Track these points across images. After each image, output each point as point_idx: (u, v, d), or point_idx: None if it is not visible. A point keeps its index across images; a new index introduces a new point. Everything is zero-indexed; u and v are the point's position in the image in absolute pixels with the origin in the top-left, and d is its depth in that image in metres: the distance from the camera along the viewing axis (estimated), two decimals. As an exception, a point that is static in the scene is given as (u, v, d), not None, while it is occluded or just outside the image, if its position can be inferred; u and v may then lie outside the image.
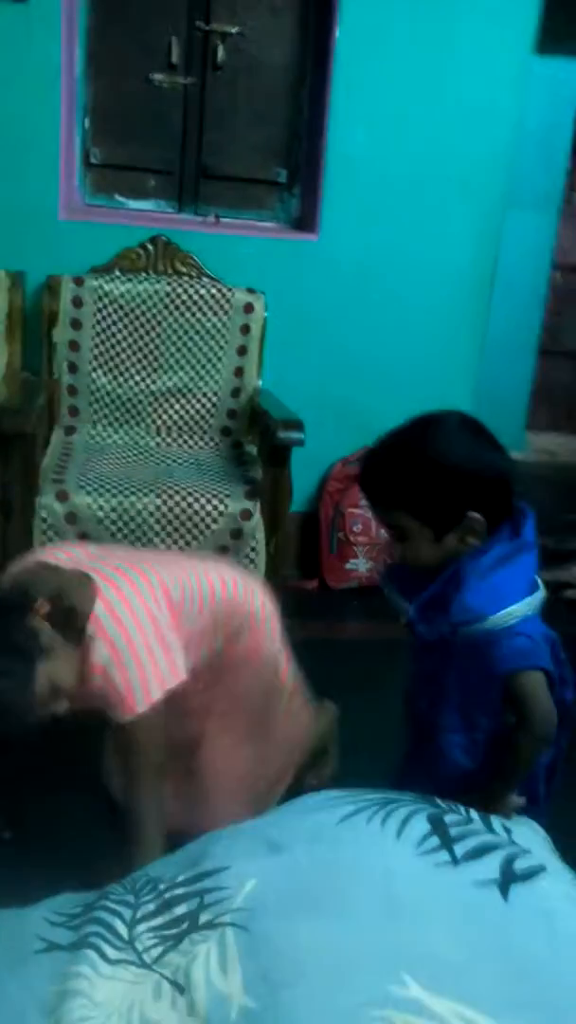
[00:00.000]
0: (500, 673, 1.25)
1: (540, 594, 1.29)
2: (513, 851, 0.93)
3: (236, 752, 1.57)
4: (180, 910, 0.86)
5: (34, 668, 1.24)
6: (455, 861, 0.89)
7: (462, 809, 0.99)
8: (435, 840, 0.92)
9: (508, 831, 0.98)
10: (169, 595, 1.41)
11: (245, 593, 1.55)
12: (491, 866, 0.89)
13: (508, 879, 0.88)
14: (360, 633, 2.68)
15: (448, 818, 0.96)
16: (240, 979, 0.76)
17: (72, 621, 1.31)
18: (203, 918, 0.84)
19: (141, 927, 0.86)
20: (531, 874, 0.89)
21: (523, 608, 1.25)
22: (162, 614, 1.39)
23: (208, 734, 1.57)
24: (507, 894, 0.86)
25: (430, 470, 1.23)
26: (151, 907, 0.88)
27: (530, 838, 0.98)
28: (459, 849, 0.91)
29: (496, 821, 0.99)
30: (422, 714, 1.39)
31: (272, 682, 1.60)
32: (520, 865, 0.91)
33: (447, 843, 0.92)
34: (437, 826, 0.94)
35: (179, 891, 0.89)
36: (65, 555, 1.44)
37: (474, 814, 0.99)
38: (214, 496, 2.19)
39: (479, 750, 1.31)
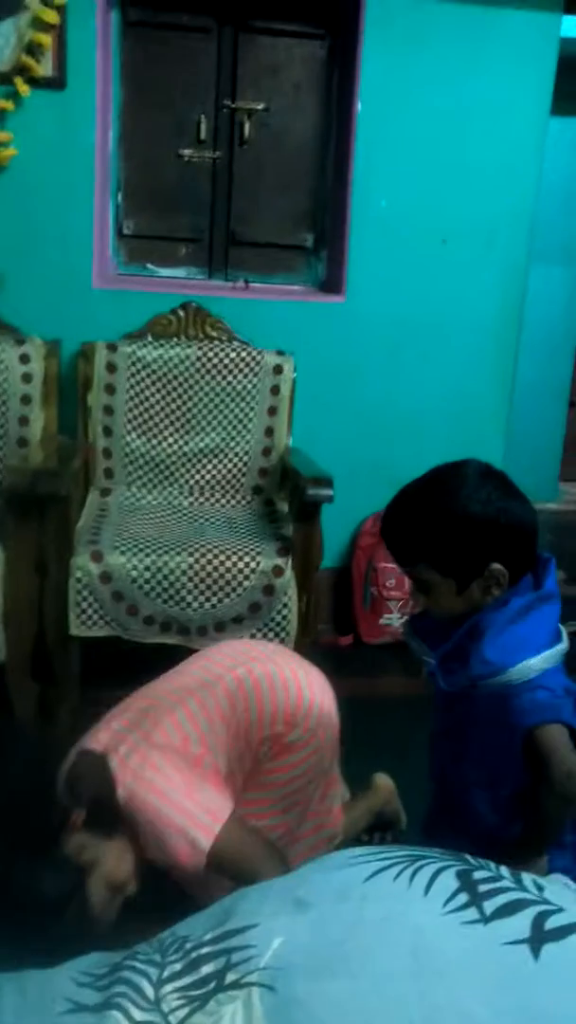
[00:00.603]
0: (520, 727, 1.24)
1: (563, 645, 1.27)
2: (545, 909, 0.91)
3: (278, 817, 1.55)
4: (207, 969, 0.85)
5: (83, 892, 1.24)
6: (485, 919, 0.87)
7: (492, 865, 0.97)
8: (464, 897, 0.90)
9: (540, 888, 0.95)
10: (188, 741, 1.42)
11: (280, 697, 1.52)
12: (522, 924, 0.87)
13: (540, 938, 0.85)
14: (396, 689, 2.66)
15: (477, 874, 0.94)
16: (265, 1040, 0.75)
17: (103, 813, 1.32)
18: (229, 978, 0.83)
19: (168, 987, 0.85)
20: (564, 933, 0.87)
21: (543, 661, 1.23)
22: (186, 762, 1.40)
23: (254, 798, 1.54)
24: (538, 953, 0.84)
25: (450, 522, 1.23)
26: (178, 967, 0.87)
27: (563, 895, 0.96)
28: (488, 907, 0.89)
29: (527, 877, 0.97)
30: (446, 769, 1.37)
31: (324, 761, 1.59)
32: (552, 923, 0.88)
33: (476, 900, 0.90)
34: (466, 883, 0.92)
35: (206, 950, 0.88)
36: (105, 735, 1.44)
37: (504, 870, 0.97)
38: (246, 554, 2.21)
39: (505, 805, 1.28)
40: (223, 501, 2.63)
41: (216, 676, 1.53)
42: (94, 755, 1.38)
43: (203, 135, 2.77)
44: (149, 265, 2.88)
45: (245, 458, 2.63)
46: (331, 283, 2.89)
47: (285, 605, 2.22)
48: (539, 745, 1.22)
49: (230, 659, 1.57)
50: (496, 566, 1.24)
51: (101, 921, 1.28)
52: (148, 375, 2.58)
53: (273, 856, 1.32)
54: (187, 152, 2.79)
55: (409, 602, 2.86)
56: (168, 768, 1.37)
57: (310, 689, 1.56)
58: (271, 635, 2.23)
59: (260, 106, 2.78)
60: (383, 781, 1.86)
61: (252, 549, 2.23)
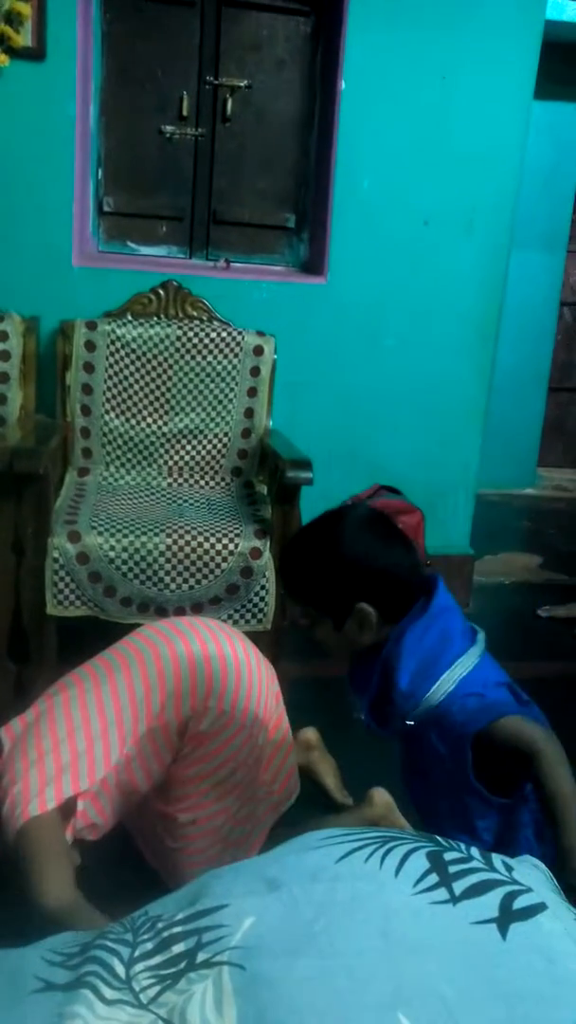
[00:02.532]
0: (467, 740, 1.25)
1: (477, 645, 1.31)
2: (514, 889, 0.92)
3: (213, 806, 1.55)
4: (178, 948, 0.86)
5: None
6: (454, 899, 0.89)
7: (462, 846, 0.98)
8: (434, 878, 0.91)
9: (509, 869, 0.97)
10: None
11: (201, 674, 1.49)
12: (490, 904, 0.88)
13: (507, 917, 0.87)
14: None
15: (448, 855, 0.95)
16: (235, 1018, 0.76)
17: None
18: (201, 957, 0.84)
19: (139, 966, 0.86)
20: (531, 912, 0.88)
21: (456, 672, 1.27)
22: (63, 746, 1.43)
23: (185, 792, 1.54)
24: (506, 932, 0.85)
25: (323, 563, 1.33)
26: (149, 946, 0.88)
27: (532, 876, 0.97)
28: (458, 887, 0.90)
29: (497, 859, 0.98)
30: (421, 801, 1.41)
31: (256, 738, 1.56)
32: (520, 903, 0.90)
33: (446, 881, 0.91)
34: (436, 863, 0.93)
35: (177, 929, 0.89)
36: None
37: (475, 851, 0.98)
38: (224, 535, 2.21)
39: (480, 830, 1.29)
40: (202, 482, 2.62)
41: (124, 659, 1.52)
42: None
43: (185, 111, 2.74)
44: (130, 243, 2.85)
45: (224, 439, 2.62)
46: (313, 264, 2.87)
47: (263, 587, 2.22)
48: (504, 738, 1.23)
49: (144, 639, 1.55)
50: (362, 606, 1.30)
51: None
52: (127, 354, 2.56)
53: (59, 880, 1.32)
54: (169, 129, 2.75)
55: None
56: (39, 745, 1.42)
57: (222, 667, 1.50)
58: (248, 616, 2.23)
59: (243, 83, 2.75)
60: (380, 796, 1.83)
61: (230, 531, 2.23)
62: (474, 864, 0.95)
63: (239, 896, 0.91)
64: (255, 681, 1.54)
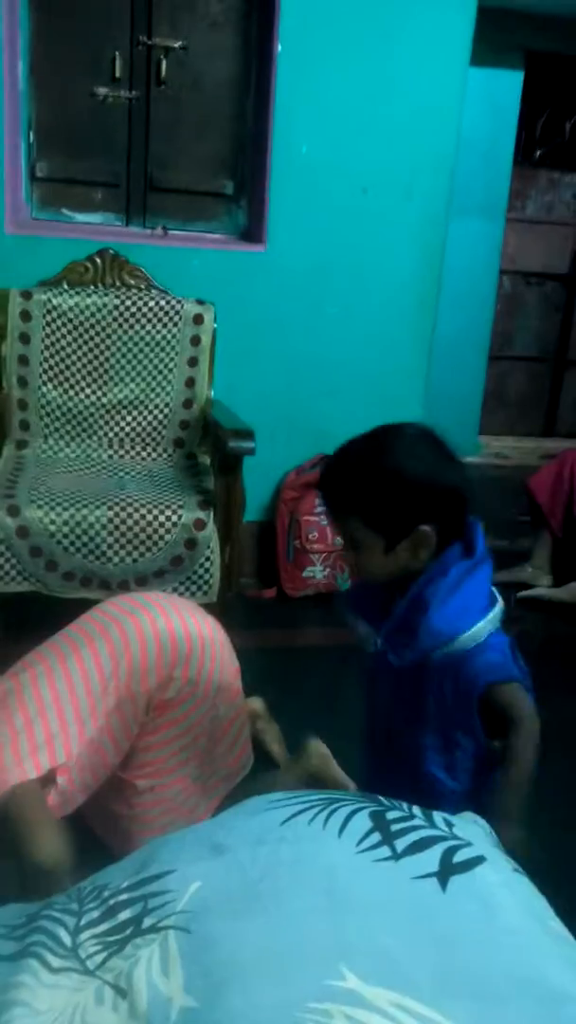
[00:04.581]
0: (478, 689, 1.25)
1: (500, 606, 1.30)
2: (454, 844, 0.94)
3: (172, 774, 1.56)
4: (124, 915, 0.86)
5: None
6: (396, 856, 0.90)
7: (404, 806, 1.00)
8: (376, 836, 0.93)
9: (450, 825, 0.99)
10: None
11: (165, 648, 1.50)
12: (431, 859, 0.90)
13: (447, 871, 0.89)
14: (319, 640, 2.70)
15: (390, 815, 0.97)
16: (181, 980, 0.76)
17: None
18: (147, 922, 0.84)
19: (85, 934, 0.86)
20: (470, 865, 0.91)
21: (489, 623, 1.26)
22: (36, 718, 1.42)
23: (146, 759, 1.55)
24: (446, 885, 0.87)
25: (384, 479, 1.23)
26: (95, 914, 0.88)
27: (471, 830, 1.00)
28: (400, 844, 0.92)
29: (439, 816, 1.00)
30: (395, 736, 1.39)
31: (217, 709, 1.58)
32: (460, 857, 0.92)
33: (388, 839, 0.93)
34: (379, 823, 0.95)
35: (123, 897, 0.89)
36: None
37: (416, 810, 1.00)
38: (167, 507, 2.19)
39: (460, 770, 1.31)
40: (143, 454, 2.59)
41: (88, 635, 1.52)
42: None
43: (118, 72, 2.67)
44: (64, 210, 2.79)
45: (165, 410, 2.59)
46: (252, 231, 2.84)
47: (207, 559, 2.22)
48: (503, 699, 1.25)
49: (108, 615, 1.55)
50: (425, 528, 1.23)
51: None
52: (64, 324, 2.51)
53: (53, 838, 1.33)
54: (102, 91, 2.68)
55: (331, 555, 2.89)
56: (11, 724, 1.40)
57: (187, 640, 1.52)
58: (194, 588, 2.22)
59: (177, 44, 2.69)
60: (316, 747, 1.86)
61: (173, 502, 2.21)
62: (416, 822, 0.97)
63: (185, 862, 0.92)
64: (217, 655, 1.56)
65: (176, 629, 1.51)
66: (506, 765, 1.24)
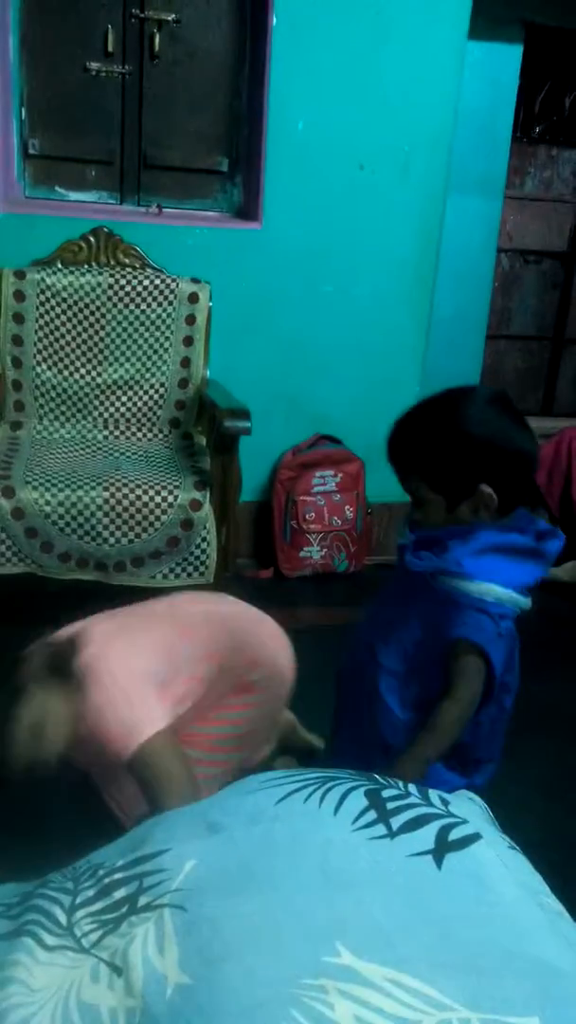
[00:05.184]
0: (451, 636, 1.26)
1: (526, 602, 1.30)
2: (450, 822, 0.94)
3: (225, 755, 1.58)
4: (119, 894, 0.87)
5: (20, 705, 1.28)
6: (391, 834, 0.91)
7: (400, 784, 1.01)
8: (372, 815, 0.93)
9: (446, 803, 0.99)
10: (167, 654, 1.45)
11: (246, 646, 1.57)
12: (426, 837, 0.91)
13: (442, 848, 0.89)
14: (316, 619, 2.69)
15: (386, 793, 0.97)
16: (176, 958, 0.77)
17: (65, 666, 1.34)
18: (142, 901, 0.85)
19: (80, 913, 0.86)
20: (466, 842, 0.91)
21: (504, 596, 1.25)
22: (151, 665, 1.41)
23: (207, 732, 1.57)
24: (441, 862, 0.87)
25: (446, 437, 1.25)
26: (90, 893, 0.88)
27: (467, 808, 1.00)
28: (395, 822, 0.92)
29: (434, 794, 1.00)
30: (365, 656, 1.38)
31: (276, 708, 1.66)
32: (455, 834, 0.92)
33: (384, 817, 0.93)
34: (374, 801, 0.95)
35: (119, 875, 0.89)
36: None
37: (413, 788, 1.00)
38: (163, 488, 2.18)
39: (412, 704, 1.31)
40: (139, 434, 2.58)
41: (194, 612, 1.56)
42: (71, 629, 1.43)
43: (111, 47, 2.63)
44: (58, 188, 2.75)
45: (161, 390, 2.58)
46: (247, 209, 2.81)
47: (204, 539, 2.21)
48: (459, 665, 1.25)
49: (189, 599, 1.63)
50: (485, 488, 1.24)
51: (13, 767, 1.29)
52: (58, 303, 2.49)
53: (189, 784, 1.33)
54: (94, 66, 2.64)
55: (328, 535, 2.89)
56: (137, 658, 1.38)
57: (272, 640, 1.60)
58: (190, 569, 2.22)
59: (170, 17, 2.65)
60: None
61: (169, 483, 2.20)
62: (411, 800, 0.98)
63: (180, 840, 0.92)
64: (286, 656, 1.62)
65: (262, 616, 1.62)
66: (426, 725, 1.26)
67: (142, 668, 1.39)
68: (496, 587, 1.25)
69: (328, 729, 1.85)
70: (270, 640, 1.59)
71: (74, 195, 2.76)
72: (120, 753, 1.31)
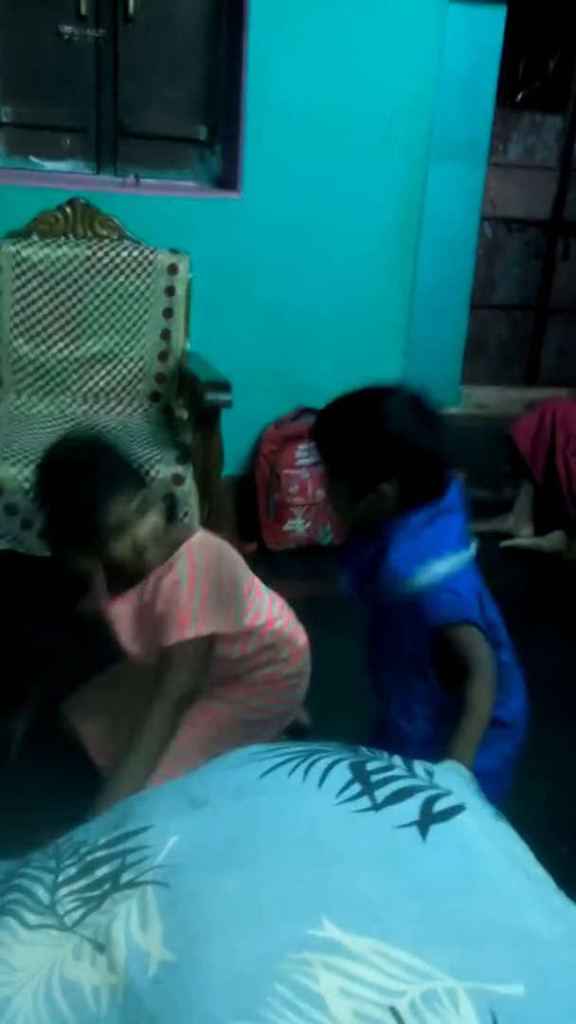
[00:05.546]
0: (429, 628, 1.28)
1: (470, 550, 1.32)
2: (434, 793, 0.94)
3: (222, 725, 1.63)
4: (102, 871, 0.86)
5: (134, 496, 1.47)
6: (376, 806, 0.90)
7: (385, 755, 1.00)
8: (356, 787, 0.92)
9: (430, 774, 0.98)
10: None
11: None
12: (411, 809, 0.90)
13: (427, 820, 0.89)
14: (300, 593, 2.66)
15: (370, 765, 0.96)
16: (160, 934, 0.76)
17: (172, 527, 1.56)
18: (125, 878, 0.84)
19: (63, 891, 0.85)
20: (451, 813, 0.90)
21: (446, 565, 1.27)
22: (241, 576, 1.59)
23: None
24: (426, 834, 0.87)
25: (356, 430, 1.29)
26: (73, 871, 0.87)
27: (451, 779, 0.99)
28: (380, 795, 0.91)
29: (419, 765, 1.00)
30: (376, 679, 1.43)
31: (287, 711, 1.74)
32: (440, 805, 0.91)
33: (368, 789, 0.92)
34: (359, 773, 0.94)
35: (101, 853, 0.88)
36: None
37: (397, 759, 1.00)
38: (144, 462, 2.16)
39: (418, 716, 1.33)
40: (119, 408, 2.55)
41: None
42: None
43: (83, 10, 2.56)
44: (33, 158, 2.70)
45: (140, 363, 2.54)
46: (226, 178, 2.76)
47: (186, 514, 2.19)
48: (455, 643, 1.27)
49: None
50: (385, 487, 1.28)
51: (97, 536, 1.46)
52: (34, 276, 2.44)
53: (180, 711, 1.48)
54: (67, 29, 2.58)
55: (312, 508, 2.87)
56: (230, 562, 1.58)
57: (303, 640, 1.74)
58: (173, 544, 2.20)
59: (145, -21, 2.58)
60: None
61: (151, 457, 2.18)
62: (396, 772, 0.97)
63: (163, 816, 0.91)
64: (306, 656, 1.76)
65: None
66: (460, 712, 1.25)
67: (229, 571, 1.55)
68: (434, 564, 1.28)
69: (314, 702, 1.86)
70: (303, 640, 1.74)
71: (49, 165, 2.71)
72: (173, 635, 1.46)
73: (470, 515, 1.37)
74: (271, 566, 2.85)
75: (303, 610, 2.35)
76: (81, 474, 1.45)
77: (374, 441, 1.28)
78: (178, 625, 1.46)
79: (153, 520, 1.50)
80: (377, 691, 1.47)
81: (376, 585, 1.32)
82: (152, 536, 1.49)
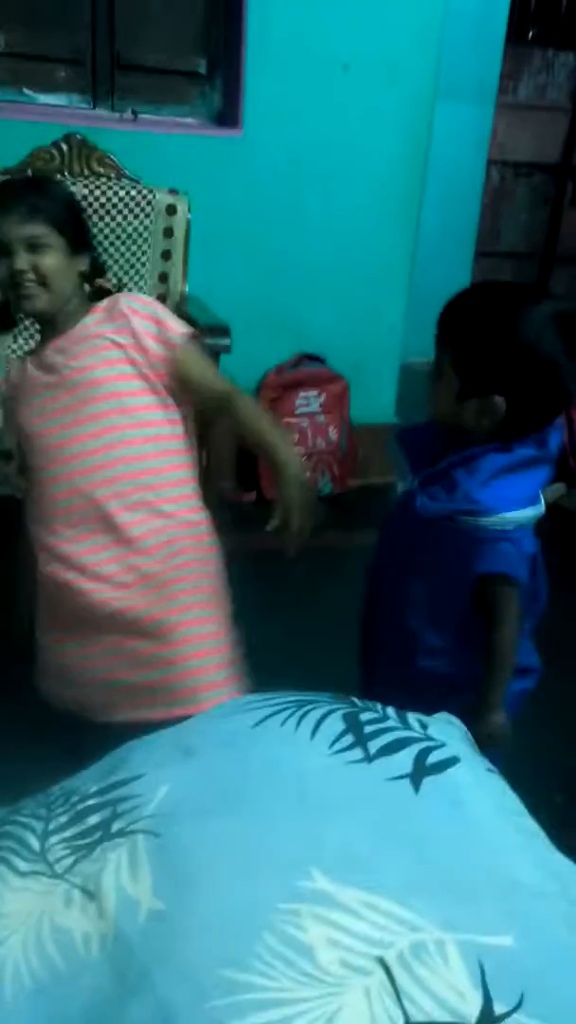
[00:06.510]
0: (478, 572, 1.23)
1: (540, 508, 1.26)
2: (428, 745, 0.94)
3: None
4: (93, 820, 0.86)
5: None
6: (369, 758, 0.90)
7: (378, 707, 0.99)
8: (349, 738, 0.92)
9: (424, 726, 0.98)
10: None
11: None
12: (404, 761, 0.90)
13: (420, 772, 0.88)
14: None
15: (363, 716, 0.96)
16: (149, 883, 0.76)
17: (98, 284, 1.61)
18: (116, 827, 0.84)
19: (53, 839, 0.85)
20: (444, 766, 0.90)
21: (523, 517, 1.22)
22: None
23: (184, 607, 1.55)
24: (419, 786, 0.87)
25: (491, 331, 1.17)
26: (63, 819, 0.88)
27: (446, 731, 0.99)
28: (373, 746, 0.91)
29: (413, 717, 0.99)
30: (390, 604, 1.36)
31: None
32: (434, 758, 0.91)
33: (361, 741, 0.92)
34: (352, 724, 0.94)
35: (92, 802, 0.88)
36: None
37: (390, 711, 0.99)
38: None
39: (449, 652, 1.30)
40: (117, 354, 2.50)
41: None
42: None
43: None
44: (26, 91, 2.60)
45: (139, 308, 2.49)
46: (227, 115, 2.68)
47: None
48: (494, 596, 1.23)
49: None
50: (497, 399, 1.18)
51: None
52: (29, 216, 2.38)
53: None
54: (62, -46, 2.47)
55: (312, 457, 2.85)
56: None
57: None
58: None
59: None
60: None
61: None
62: (389, 724, 0.96)
63: (154, 766, 0.91)
64: None
65: None
66: (490, 657, 1.25)
67: None
68: (511, 514, 1.21)
69: (307, 655, 1.86)
70: None
71: (43, 98, 2.62)
72: (173, 327, 1.52)
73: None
74: (268, 516, 2.84)
75: (302, 559, 2.34)
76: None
77: (504, 347, 1.16)
78: (171, 319, 1.51)
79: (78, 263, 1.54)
80: (386, 621, 1.39)
81: (445, 501, 1.22)
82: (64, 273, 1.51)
